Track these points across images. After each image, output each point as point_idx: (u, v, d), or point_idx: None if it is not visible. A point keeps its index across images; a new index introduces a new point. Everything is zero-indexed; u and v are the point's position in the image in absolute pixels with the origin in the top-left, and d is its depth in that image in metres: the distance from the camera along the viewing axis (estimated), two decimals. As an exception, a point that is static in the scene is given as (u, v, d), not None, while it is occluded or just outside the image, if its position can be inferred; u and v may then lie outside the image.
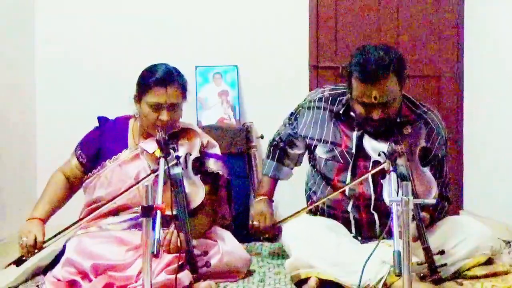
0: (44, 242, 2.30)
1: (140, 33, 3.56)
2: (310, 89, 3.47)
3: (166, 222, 2.25)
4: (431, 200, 2.08)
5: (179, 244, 2.19)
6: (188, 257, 2.19)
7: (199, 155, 2.50)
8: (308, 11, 3.63)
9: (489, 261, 2.38)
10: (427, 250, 2.15)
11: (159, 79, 2.40)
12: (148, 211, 1.79)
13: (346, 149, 2.41)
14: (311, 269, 2.24)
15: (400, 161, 2.15)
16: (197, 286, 2.22)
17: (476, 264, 2.33)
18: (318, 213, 2.52)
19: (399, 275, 1.73)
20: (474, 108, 3.62)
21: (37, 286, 2.35)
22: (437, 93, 3.72)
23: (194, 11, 3.60)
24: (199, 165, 2.52)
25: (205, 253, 2.28)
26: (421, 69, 3.69)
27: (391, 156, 2.13)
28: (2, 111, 3.11)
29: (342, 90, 2.48)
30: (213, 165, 2.55)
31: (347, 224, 2.45)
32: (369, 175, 2.33)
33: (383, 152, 2.25)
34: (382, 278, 2.16)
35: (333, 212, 2.47)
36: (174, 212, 2.21)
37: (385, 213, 2.26)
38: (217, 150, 2.62)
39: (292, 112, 2.66)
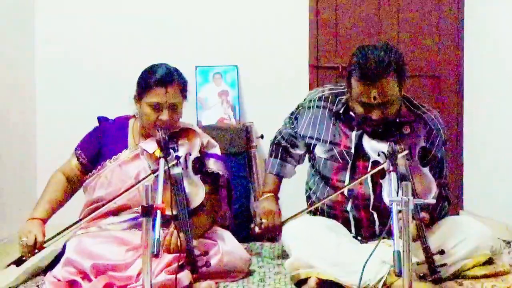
0: (44, 242, 2.30)
1: (140, 33, 3.56)
2: (310, 89, 3.46)
3: (166, 222, 2.25)
4: (431, 200, 2.08)
5: (179, 244, 2.19)
6: (188, 257, 2.19)
7: (199, 155, 2.50)
8: (308, 11, 3.63)
9: (489, 261, 2.38)
10: (427, 250, 2.15)
11: (159, 79, 2.40)
12: (148, 211, 1.79)
13: (346, 149, 2.41)
14: (311, 269, 2.24)
15: (400, 161, 2.15)
16: (197, 286, 2.22)
17: (476, 264, 2.33)
18: (318, 213, 2.52)
19: (399, 275, 1.73)
20: (474, 108, 3.62)
21: (37, 286, 2.36)
22: (437, 93, 3.72)
23: (194, 11, 3.60)
24: (199, 165, 2.52)
25: (205, 253, 2.28)
26: (421, 69, 3.69)
27: (391, 156, 2.12)
28: (2, 111, 3.11)
29: (342, 90, 2.48)
30: (213, 165, 2.55)
31: (346, 224, 2.45)
32: (368, 176, 2.33)
33: (383, 152, 2.25)
34: (382, 278, 2.17)
35: (333, 212, 2.47)
36: (174, 212, 2.21)
37: (385, 212, 2.26)
38: (217, 150, 2.62)
39: (292, 112, 2.66)
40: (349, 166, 2.40)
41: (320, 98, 2.52)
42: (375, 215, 2.39)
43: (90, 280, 2.18)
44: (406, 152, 2.21)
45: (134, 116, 2.58)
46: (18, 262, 2.31)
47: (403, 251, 1.75)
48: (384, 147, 2.25)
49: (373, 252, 1.92)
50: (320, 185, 2.50)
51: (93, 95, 3.51)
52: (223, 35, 3.60)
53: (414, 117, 2.41)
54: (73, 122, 3.36)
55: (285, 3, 3.62)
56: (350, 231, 2.44)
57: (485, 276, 2.33)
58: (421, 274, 2.17)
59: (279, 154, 2.66)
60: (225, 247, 2.39)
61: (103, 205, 2.37)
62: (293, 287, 2.33)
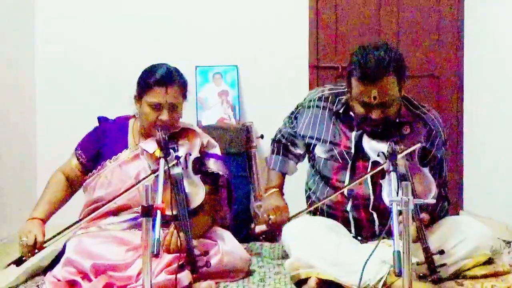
0: (44, 242, 2.30)
1: (140, 33, 3.56)
2: (310, 89, 3.46)
3: (166, 222, 2.25)
4: (430, 200, 2.08)
5: (179, 244, 2.19)
6: (188, 257, 2.19)
7: (199, 155, 2.50)
8: (308, 11, 3.63)
9: (489, 261, 2.38)
10: (426, 250, 2.15)
11: (159, 79, 2.40)
12: (148, 211, 1.79)
13: (346, 149, 2.41)
14: (311, 269, 2.24)
15: (400, 161, 2.15)
16: (197, 286, 2.22)
17: (476, 264, 2.33)
18: (318, 213, 2.52)
19: (399, 275, 1.73)
20: (474, 108, 3.63)
21: (37, 286, 2.36)
22: (437, 93, 3.72)
23: (194, 11, 3.60)
24: (199, 165, 2.52)
25: (205, 253, 2.28)
26: (421, 69, 3.69)
27: (391, 156, 2.12)
28: (2, 111, 3.11)
29: (342, 90, 2.48)
30: (213, 165, 2.55)
31: (346, 224, 2.45)
32: (368, 176, 2.33)
33: (382, 152, 2.25)
34: (382, 278, 2.16)
35: (333, 212, 2.47)
36: (174, 212, 2.21)
37: (385, 213, 2.26)
38: (217, 150, 2.62)
39: (292, 111, 2.66)
40: (349, 166, 2.40)
41: (320, 98, 2.52)
42: (375, 215, 2.39)
43: (90, 280, 2.18)
44: (409, 150, 2.21)
45: (134, 116, 2.58)
46: (18, 262, 2.31)
47: (403, 251, 1.75)
48: (384, 147, 2.25)
49: (373, 252, 1.91)
50: (320, 185, 2.50)
51: (93, 95, 3.51)
52: (223, 35, 3.60)
53: (413, 117, 2.41)
54: (73, 122, 3.36)
55: (285, 3, 3.62)
56: (350, 231, 2.44)
57: (485, 276, 2.33)
58: (421, 274, 2.17)
59: (281, 151, 2.66)
60: (225, 247, 2.39)
61: (103, 205, 2.36)
62: (293, 287, 2.33)
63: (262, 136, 3.46)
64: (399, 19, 3.69)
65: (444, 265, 2.20)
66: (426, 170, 2.30)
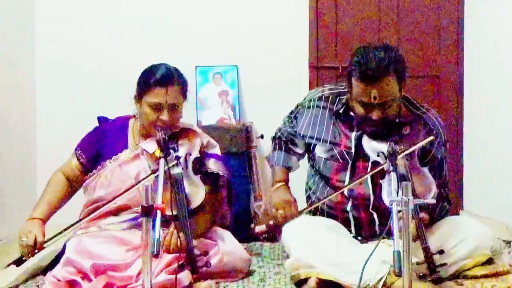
0: (44, 242, 2.30)
1: (140, 33, 3.56)
2: (310, 89, 3.46)
3: (166, 222, 2.25)
4: (431, 200, 2.08)
5: (179, 244, 2.19)
6: (188, 257, 2.19)
7: (199, 155, 2.50)
8: (308, 11, 3.63)
9: (489, 261, 2.38)
10: (426, 250, 2.15)
11: (159, 79, 2.40)
12: (148, 211, 1.79)
13: (346, 149, 2.42)
14: (311, 269, 2.24)
15: (400, 162, 2.15)
16: (197, 286, 2.22)
17: (476, 264, 2.33)
18: (318, 213, 2.52)
19: (399, 275, 1.73)
20: (474, 108, 3.62)
21: (37, 286, 2.36)
22: (437, 93, 3.72)
23: (194, 11, 3.60)
24: (199, 165, 2.52)
25: (205, 253, 2.28)
26: (421, 69, 3.69)
27: (391, 157, 2.12)
28: (2, 111, 3.11)
29: (342, 90, 2.48)
30: (213, 165, 2.55)
31: (346, 224, 2.45)
32: (368, 176, 2.33)
33: (382, 152, 2.25)
34: (382, 278, 2.17)
35: (333, 212, 2.47)
36: (174, 212, 2.21)
37: (385, 213, 2.26)
38: (217, 150, 2.62)
39: (291, 111, 2.66)
40: (349, 166, 2.40)
41: (320, 98, 2.52)
42: (375, 215, 2.39)
43: (90, 280, 2.18)
44: (409, 150, 2.21)
45: (134, 116, 2.58)
46: (18, 262, 2.31)
47: (403, 251, 1.75)
48: (383, 147, 2.25)
49: (373, 252, 1.92)
50: (320, 185, 2.50)
51: (93, 95, 3.51)
52: (223, 35, 3.60)
53: (413, 118, 2.41)
54: (73, 122, 3.36)
55: (285, 3, 3.62)
56: (350, 231, 2.44)
57: (485, 276, 2.33)
58: (421, 274, 2.17)
59: (282, 147, 2.65)
60: (225, 247, 2.39)
61: (103, 205, 2.37)
62: (293, 287, 2.33)
63: (262, 136, 3.46)
64: (399, 19, 3.69)
65: (444, 265, 2.20)
66: (426, 170, 2.30)
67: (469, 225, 2.40)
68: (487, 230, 2.41)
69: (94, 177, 2.49)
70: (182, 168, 2.34)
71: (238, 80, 3.56)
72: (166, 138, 2.29)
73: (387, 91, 2.24)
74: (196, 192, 2.37)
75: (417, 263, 2.15)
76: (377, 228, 2.41)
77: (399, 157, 2.15)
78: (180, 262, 2.17)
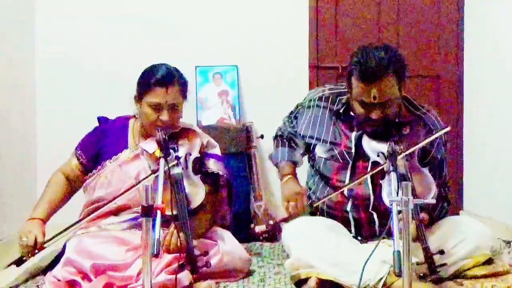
0: (44, 242, 2.30)
1: (140, 33, 3.56)
2: (310, 89, 3.46)
3: (166, 222, 2.25)
4: (430, 200, 2.08)
5: (179, 244, 2.19)
6: (188, 257, 2.19)
7: (199, 155, 2.50)
8: (308, 11, 3.63)
9: (489, 261, 2.38)
10: (426, 250, 2.15)
11: (159, 79, 2.40)
12: (148, 211, 1.79)
13: (346, 149, 2.42)
14: (311, 269, 2.24)
15: (400, 162, 2.15)
16: (197, 286, 2.22)
17: (476, 264, 2.33)
18: (318, 213, 2.52)
19: (399, 275, 1.73)
20: (474, 108, 3.63)
21: (37, 286, 2.36)
22: (437, 93, 3.72)
23: (194, 11, 3.60)
24: (199, 165, 2.52)
25: (205, 253, 2.28)
26: (421, 69, 3.69)
27: (391, 157, 2.12)
28: (2, 111, 3.11)
29: (342, 90, 2.48)
30: (213, 165, 2.55)
31: (346, 224, 2.45)
32: (368, 176, 2.33)
33: (382, 152, 2.25)
34: (382, 278, 2.17)
35: (333, 212, 2.47)
36: (174, 212, 2.21)
37: (385, 213, 2.27)
38: (217, 151, 2.62)
39: (291, 111, 2.66)
40: (349, 166, 2.40)
41: (320, 98, 2.52)
42: (375, 216, 2.39)
43: (90, 280, 2.18)
44: (410, 150, 2.21)
45: (134, 116, 2.58)
46: (18, 262, 2.31)
47: (403, 251, 1.75)
48: (383, 147, 2.25)
49: (373, 252, 1.92)
50: (320, 185, 2.50)
51: (93, 95, 3.51)
52: (223, 35, 3.60)
53: (413, 118, 2.41)
54: (73, 122, 3.36)
55: (285, 3, 3.62)
56: (350, 231, 2.44)
57: (485, 276, 2.33)
58: (421, 274, 2.17)
59: (285, 143, 2.65)
60: (225, 247, 2.39)
61: (103, 205, 2.37)
62: (293, 287, 2.33)
63: (262, 136, 3.46)
64: (399, 19, 3.69)
65: (444, 265, 2.20)
66: (426, 170, 2.30)
67: (469, 225, 2.40)
68: (487, 230, 2.41)
69: (94, 177, 2.49)
70: (182, 168, 2.34)
71: (238, 80, 3.56)
72: (166, 138, 2.29)
73: (387, 91, 2.24)
74: (196, 192, 2.37)
75: (417, 263, 2.15)
76: (377, 228, 2.40)
77: (399, 157, 2.15)
78: (180, 262, 2.17)
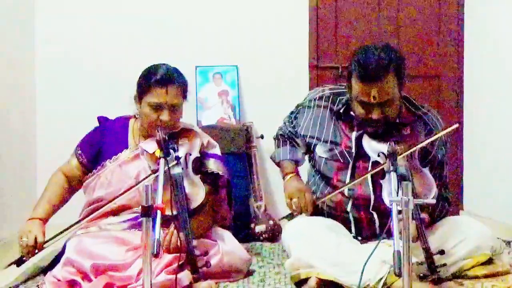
0: (44, 242, 2.30)
1: (140, 33, 3.56)
2: (310, 89, 3.46)
3: (166, 222, 2.25)
4: (431, 200, 2.08)
5: (179, 244, 2.19)
6: (188, 257, 2.19)
7: (199, 155, 2.50)
8: (308, 11, 3.63)
9: (489, 261, 2.38)
10: (427, 250, 2.15)
11: (159, 80, 2.40)
12: (148, 211, 1.79)
13: (346, 149, 2.42)
14: (311, 269, 2.24)
15: (400, 162, 2.15)
16: (197, 286, 2.22)
17: (476, 264, 2.33)
18: (318, 213, 2.52)
19: (399, 275, 1.73)
20: (474, 108, 3.63)
21: (37, 286, 2.35)
22: (437, 93, 3.72)
23: (194, 11, 3.60)
24: (199, 165, 2.52)
25: (205, 253, 2.28)
26: (421, 69, 3.69)
27: (391, 156, 2.12)
28: (2, 111, 3.11)
29: (343, 90, 2.48)
30: (213, 165, 2.55)
31: (347, 224, 2.45)
32: (368, 176, 2.33)
33: (382, 152, 2.25)
34: (382, 278, 2.16)
35: (333, 212, 2.47)
36: (174, 212, 2.21)
37: (385, 213, 2.26)
38: (217, 150, 2.62)
39: (292, 111, 2.66)
40: (349, 166, 2.40)
41: (321, 98, 2.52)
42: (375, 216, 2.39)
43: (90, 280, 2.18)
44: (410, 150, 2.21)
45: (134, 116, 2.58)
46: (18, 262, 2.31)
47: (403, 251, 1.75)
48: (384, 147, 2.25)
49: (373, 252, 1.91)
50: (321, 185, 2.50)
51: (93, 95, 3.51)
52: (223, 35, 3.60)
53: (414, 118, 2.41)
54: (73, 122, 3.36)
55: (285, 3, 3.62)
56: (350, 231, 2.44)
57: (485, 276, 2.33)
58: (421, 274, 2.17)
59: (287, 142, 2.65)
60: (225, 247, 2.39)
61: (103, 205, 2.37)
62: (293, 287, 2.33)
63: (262, 136, 3.46)
64: (399, 19, 3.69)
65: (444, 265, 2.20)
66: (426, 170, 2.30)
67: (469, 225, 2.40)
68: (487, 230, 2.41)
69: (94, 177, 2.49)
70: (182, 168, 2.34)
71: (238, 80, 3.56)
72: (166, 138, 2.29)
73: (387, 90, 2.24)
74: (196, 192, 2.37)
75: (418, 263, 2.15)
76: (377, 228, 2.40)
77: (400, 157, 2.15)
78: (180, 262, 2.17)
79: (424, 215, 2.21)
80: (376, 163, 2.30)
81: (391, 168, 2.05)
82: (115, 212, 2.43)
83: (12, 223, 2.93)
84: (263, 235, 3.22)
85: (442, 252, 2.19)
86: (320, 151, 2.47)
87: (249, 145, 3.42)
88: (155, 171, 2.29)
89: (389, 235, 1.85)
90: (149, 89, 2.40)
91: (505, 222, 3.18)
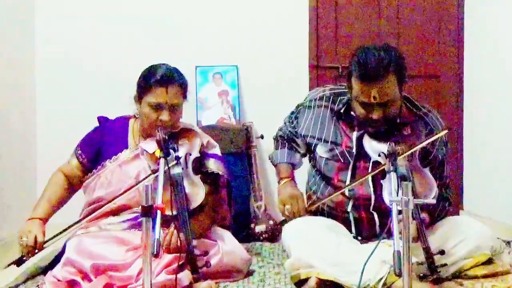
0: (44, 242, 2.30)
1: (140, 33, 3.56)
2: (310, 89, 3.47)
3: (166, 222, 2.25)
4: (431, 200, 2.08)
5: (179, 244, 2.19)
6: (188, 257, 2.19)
7: (199, 155, 2.50)
8: (308, 11, 3.63)
9: (489, 261, 2.38)
10: (427, 250, 2.15)
11: (159, 80, 2.40)
12: (148, 211, 1.79)
13: (347, 149, 2.42)
14: (311, 269, 2.23)
15: (401, 162, 2.15)
16: (197, 286, 2.22)
17: (476, 264, 2.33)
18: (318, 213, 2.52)
19: (399, 275, 1.73)
20: (474, 108, 3.63)
21: (37, 286, 2.35)
22: (437, 93, 3.72)
23: (194, 11, 3.60)
24: (199, 165, 2.52)
25: (205, 253, 2.28)
26: (421, 69, 3.69)
27: (391, 156, 2.12)
28: (2, 111, 3.11)
29: (343, 90, 2.48)
30: (213, 165, 2.55)
31: (347, 224, 2.45)
32: (369, 176, 2.33)
33: (383, 152, 2.25)
34: (382, 278, 2.16)
35: (333, 212, 2.47)
36: (174, 212, 2.21)
37: (385, 213, 2.26)
38: (217, 151, 2.62)
39: (292, 111, 2.66)
40: (350, 166, 2.40)
41: (321, 98, 2.52)
42: (376, 216, 2.39)
43: (90, 280, 2.18)
44: (411, 151, 2.21)
45: (134, 116, 2.58)
46: (18, 262, 2.31)
47: (403, 251, 1.75)
48: (384, 147, 2.24)
49: (373, 252, 1.91)
50: (321, 185, 2.50)
51: (93, 95, 3.51)
52: (223, 35, 3.60)
53: (415, 118, 2.41)
54: (73, 122, 3.36)
55: (285, 3, 3.62)
56: (350, 231, 2.44)
57: (485, 276, 2.32)
58: (421, 274, 2.17)
59: (285, 145, 2.65)
60: (225, 247, 2.39)
61: (103, 205, 2.37)
62: (293, 287, 2.33)
63: (262, 136, 3.46)
64: (399, 19, 3.69)
65: (444, 265, 2.20)
66: (426, 170, 2.30)
67: (469, 225, 2.40)
68: (487, 230, 2.41)
69: (94, 177, 2.49)
70: (182, 168, 2.34)
71: (238, 80, 3.56)
72: (166, 138, 2.29)
73: (387, 91, 2.24)
74: (196, 192, 2.37)
75: (418, 263, 2.15)
76: (377, 228, 2.40)
77: (400, 157, 2.15)
78: (180, 262, 2.17)
79: (424, 215, 2.21)
80: (376, 163, 2.30)
81: (391, 168, 2.05)
82: (115, 212, 2.43)
83: (12, 223, 2.93)
84: (263, 235, 3.22)
85: (442, 252, 2.19)
86: (321, 151, 2.47)
87: (249, 145, 3.42)
88: (155, 171, 2.28)
89: (389, 235, 1.85)
90: (149, 89, 2.40)
91: (505, 222, 3.18)
